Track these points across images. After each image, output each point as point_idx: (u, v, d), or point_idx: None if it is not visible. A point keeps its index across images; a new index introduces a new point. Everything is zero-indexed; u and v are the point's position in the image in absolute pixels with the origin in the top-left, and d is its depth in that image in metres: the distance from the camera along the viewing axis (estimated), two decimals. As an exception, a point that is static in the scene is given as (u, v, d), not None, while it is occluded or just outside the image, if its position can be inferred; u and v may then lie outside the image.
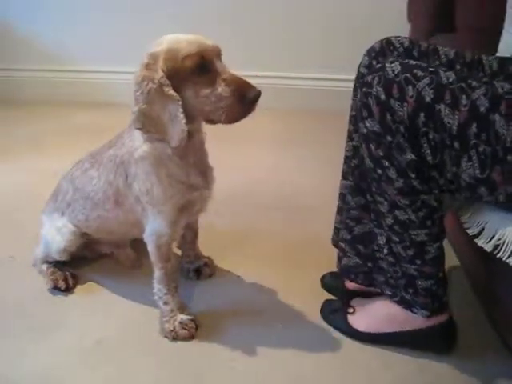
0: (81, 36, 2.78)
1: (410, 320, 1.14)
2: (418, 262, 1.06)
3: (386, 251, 1.10)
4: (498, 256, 0.95)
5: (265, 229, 1.66)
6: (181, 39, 1.05)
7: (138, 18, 2.67)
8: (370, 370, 1.14)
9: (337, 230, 1.33)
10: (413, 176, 0.97)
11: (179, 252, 1.45)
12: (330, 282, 1.37)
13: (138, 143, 1.15)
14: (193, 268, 1.43)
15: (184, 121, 1.03)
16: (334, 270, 1.37)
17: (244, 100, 1.03)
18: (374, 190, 1.05)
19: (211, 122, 1.08)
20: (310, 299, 1.34)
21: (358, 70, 1.04)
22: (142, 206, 1.20)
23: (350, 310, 1.23)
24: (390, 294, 1.15)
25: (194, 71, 1.03)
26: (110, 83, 2.83)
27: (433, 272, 1.07)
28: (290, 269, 1.45)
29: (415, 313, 1.12)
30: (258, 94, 1.03)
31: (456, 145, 0.91)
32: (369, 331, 1.18)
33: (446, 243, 1.51)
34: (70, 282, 1.39)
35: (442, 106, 0.89)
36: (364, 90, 0.97)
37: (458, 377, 1.11)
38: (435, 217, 1.02)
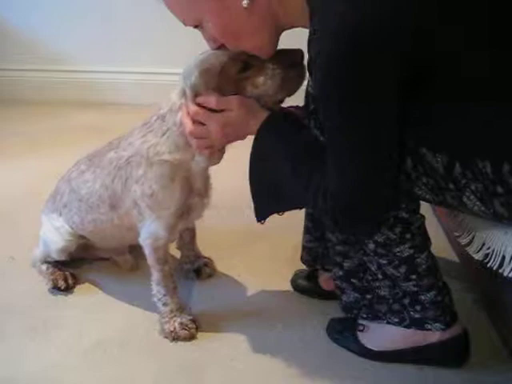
0: (81, 36, 2.78)
1: (427, 334, 1.10)
2: (413, 276, 1.04)
3: (380, 276, 1.08)
4: (488, 266, 0.94)
5: (265, 228, 1.65)
6: (211, 57, 1.05)
7: (138, 18, 2.67)
8: (369, 367, 1.13)
9: (307, 249, 1.32)
10: None
11: (177, 253, 1.45)
12: (302, 284, 1.37)
13: (162, 148, 1.14)
14: (193, 268, 1.43)
15: None
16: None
17: (295, 65, 1.03)
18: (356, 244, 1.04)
19: (280, 102, 1.08)
20: (310, 299, 1.34)
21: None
22: (138, 210, 1.20)
23: (360, 328, 1.17)
24: (397, 321, 1.12)
25: (239, 71, 1.03)
26: (110, 83, 2.83)
27: (431, 282, 1.05)
28: (289, 268, 1.44)
29: (429, 329, 1.09)
30: (300, 52, 1.03)
31: (403, 177, 0.91)
32: (383, 349, 1.14)
33: (445, 243, 1.52)
34: (70, 281, 1.39)
35: None
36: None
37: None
38: (413, 228, 1.00)
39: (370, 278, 1.11)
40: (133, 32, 2.71)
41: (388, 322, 1.14)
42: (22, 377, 1.14)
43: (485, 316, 1.26)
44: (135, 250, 1.43)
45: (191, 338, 1.22)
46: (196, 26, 1.00)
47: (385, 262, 1.04)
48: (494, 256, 0.93)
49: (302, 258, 1.35)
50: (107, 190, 1.24)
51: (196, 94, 1.05)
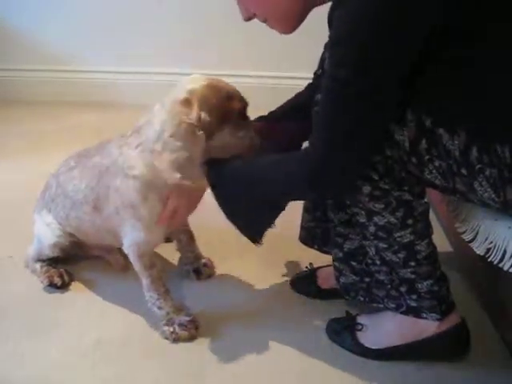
0: (81, 36, 2.78)
1: (424, 328, 1.10)
2: (412, 263, 1.04)
3: (378, 262, 1.08)
4: (489, 260, 0.94)
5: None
6: (219, 80, 1.10)
7: (138, 18, 2.68)
8: (369, 367, 1.13)
9: (306, 229, 1.32)
10: (376, 178, 0.96)
11: (172, 254, 1.45)
12: (302, 285, 1.37)
13: (133, 162, 1.14)
14: (192, 269, 1.43)
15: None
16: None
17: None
18: (348, 203, 1.04)
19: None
20: (309, 299, 1.34)
21: (322, 67, 1.00)
22: (120, 216, 1.19)
23: (358, 327, 1.17)
24: (394, 306, 1.12)
25: (239, 113, 1.10)
26: (109, 83, 2.84)
27: (429, 270, 1.05)
28: (289, 268, 1.44)
29: (426, 318, 1.09)
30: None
31: (414, 160, 0.92)
32: (382, 347, 1.14)
33: (442, 236, 1.52)
34: (66, 278, 1.39)
35: (393, 125, 0.90)
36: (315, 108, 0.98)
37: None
38: (415, 214, 1.00)
39: (369, 261, 1.11)
40: (133, 32, 2.71)
41: (385, 307, 1.14)
42: (22, 378, 1.14)
43: (484, 312, 1.26)
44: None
45: (192, 338, 1.21)
46: None
47: (385, 246, 1.03)
48: (495, 250, 0.93)
49: (300, 238, 1.35)
50: (92, 191, 1.23)
51: (195, 103, 1.06)
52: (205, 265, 1.44)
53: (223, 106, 1.07)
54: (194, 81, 1.09)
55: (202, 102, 1.06)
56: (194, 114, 1.05)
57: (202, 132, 1.05)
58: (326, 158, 0.90)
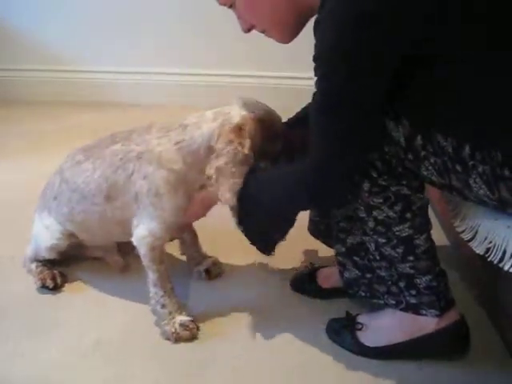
0: (81, 36, 2.79)
1: (423, 325, 1.10)
2: (411, 258, 1.05)
3: (378, 257, 1.08)
4: (489, 260, 0.95)
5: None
6: (272, 114, 1.19)
7: (137, 19, 2.68)
8: (369, 366, 1.13)
9: (313, 222, 1.34)
10: (375, 175, 0.98)
11: (173, 253, 1.45)
12: (302, 284, 1.37)
13: (172, 156, 1.17)
14: (203, 269, 1.42)
15: None
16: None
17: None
18: (349, 198, 1.05)
19: None
20: (310, 298, 1.34)
21: None
22: (138, 205, 1.20)
23: (359, 327, 1.17)
24: (393, 303, 1.12)
25: (279, 153, 1.20)
26: (109, 83, 2.84)
27: (428, 265, 1.06)
28: (290, 268, 1.44)
29: (425, 314, 1.09)
30: None
31: (410, 156, 0.93)
32: (381, 345, 1.14)
33: (444, 241, 1.53)
34: (59, 280, 1.38)
35: (387, 120, 0.93)
36: None
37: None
38: (414, 208, 1.01)
39: (370, 257, 1.11)
40: (133, 32, 2.71)
41: (385, 304, 1.14)
42: (22, 378, 1.14)
43: (483, 311, 1.26)
44: (125, 250, 1.43)
45: (193, 338, 1.21)
46: (230, 6, 1.09)
47: (384, 241, 1.05)
48: (495, 250, 0.93)
49: (309, 229, 1.37)
50: (107, 180, 1.23)
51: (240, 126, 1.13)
52: (214, 264, 1.44)
53: (264, 145, 1.16)
54: (249, 107, 1.15)
55: (250, 134, 1.13)
56: (247, 145, 1.11)
57: (252, 161, 1.13)
58: (325, 166, 0.94)
